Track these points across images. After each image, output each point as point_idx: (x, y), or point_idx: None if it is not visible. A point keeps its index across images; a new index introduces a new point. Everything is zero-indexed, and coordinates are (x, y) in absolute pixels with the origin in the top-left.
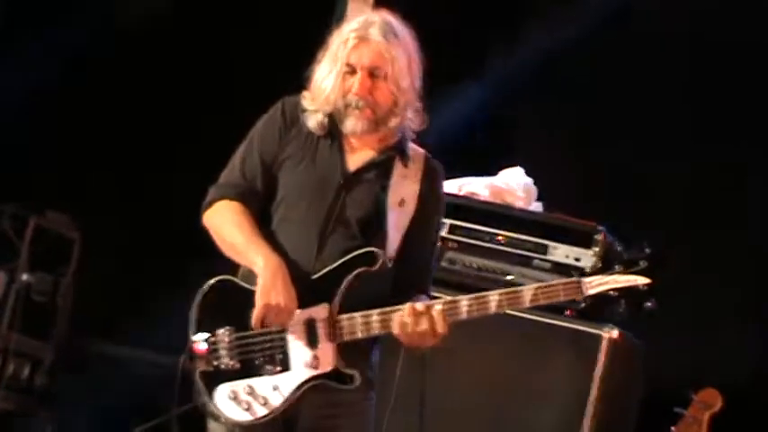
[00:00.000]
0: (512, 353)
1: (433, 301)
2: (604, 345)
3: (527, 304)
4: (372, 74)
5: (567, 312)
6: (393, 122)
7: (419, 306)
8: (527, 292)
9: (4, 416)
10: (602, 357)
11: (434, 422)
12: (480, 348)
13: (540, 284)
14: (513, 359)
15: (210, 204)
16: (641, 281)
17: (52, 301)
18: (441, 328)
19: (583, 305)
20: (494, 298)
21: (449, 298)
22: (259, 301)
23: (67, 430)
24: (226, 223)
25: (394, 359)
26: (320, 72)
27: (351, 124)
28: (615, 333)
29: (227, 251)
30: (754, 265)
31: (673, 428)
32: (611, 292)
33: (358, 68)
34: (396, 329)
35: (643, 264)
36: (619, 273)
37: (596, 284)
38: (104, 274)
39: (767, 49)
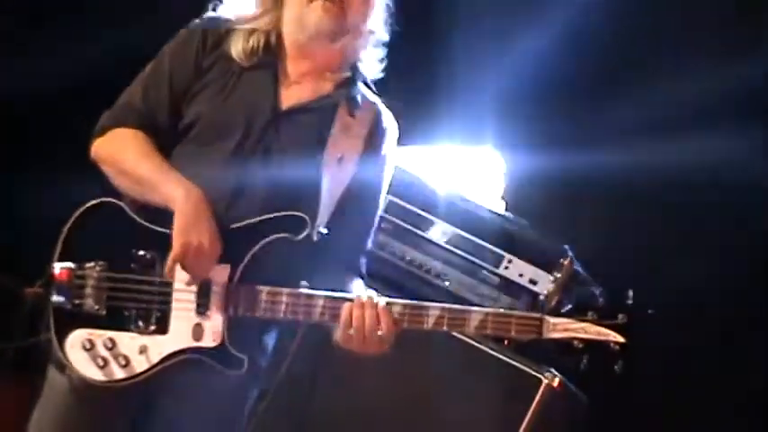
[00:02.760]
0: (427, 375)
1: (383, 298)
2: (541, 391)
3: (471, 331)
4: None
5: (505, 342)
6: (354, 48)
7: (366, 298)
8: (474, 317)
9: None
10: (535, 404)
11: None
12: (393, 359)
13: (492, 310)
14: (431, 381)
15: (104, 131)
16: (614, 338)
17: None
18: (386, 330)
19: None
20: (433, 312)
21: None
22: (177, 241)
23: None
24: (128, 152)
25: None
26: None
27: (313, 19)
28: (556, 381)
29: (130, 185)
30: None
31: None
32: (576, 343)
33: None
34: (344, 319)
35: (621, 318)
36: (591, 321)
37: (561, 328)
38: None
39: None
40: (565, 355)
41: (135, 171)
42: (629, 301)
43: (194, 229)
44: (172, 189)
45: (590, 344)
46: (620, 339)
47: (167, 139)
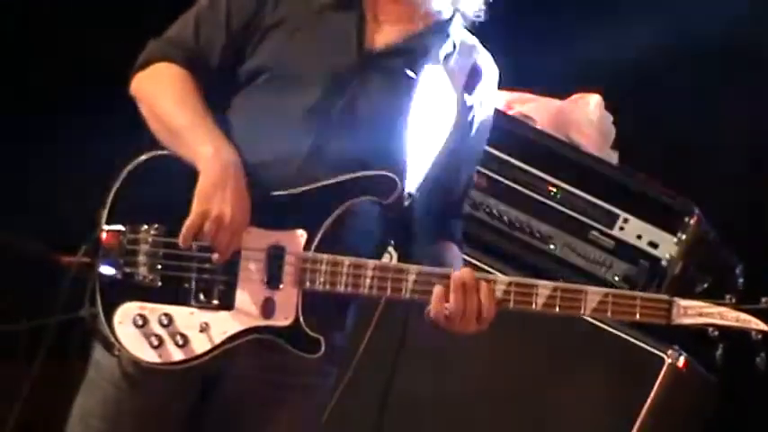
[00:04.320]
0: (536, 353)
1: (484, 275)
2: (664, 371)
3: (587, 313)
4: None
5: None
6: None
7: (467, 278)
8: (592, 297)
9: None
10: (656, 387)
11: (400, 422)
12: (493, 338)
13: (613, 291)
14: (537, 362)
15: (147, 64)
16: (757, 326)
17: None
18: (488, 311)
19: None
20: (543, 291)
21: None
22: (195, 207)
23: None
24: (166, 94)
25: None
26: None
27: None
28: (681, 360)
29: (161, 133)
30: None
31: None
32: (711, 330)
33: None
34: (436, 299)
35: (766, 302)
36: (729, 305)
37: (694, 313)
38: None
39: None
40: (698, 343)
41: (168, 118)
42: None
43: (217, 196)
44: (200, 145)
45: (727, 332)
46: (764, 328)
47: (218, 86)
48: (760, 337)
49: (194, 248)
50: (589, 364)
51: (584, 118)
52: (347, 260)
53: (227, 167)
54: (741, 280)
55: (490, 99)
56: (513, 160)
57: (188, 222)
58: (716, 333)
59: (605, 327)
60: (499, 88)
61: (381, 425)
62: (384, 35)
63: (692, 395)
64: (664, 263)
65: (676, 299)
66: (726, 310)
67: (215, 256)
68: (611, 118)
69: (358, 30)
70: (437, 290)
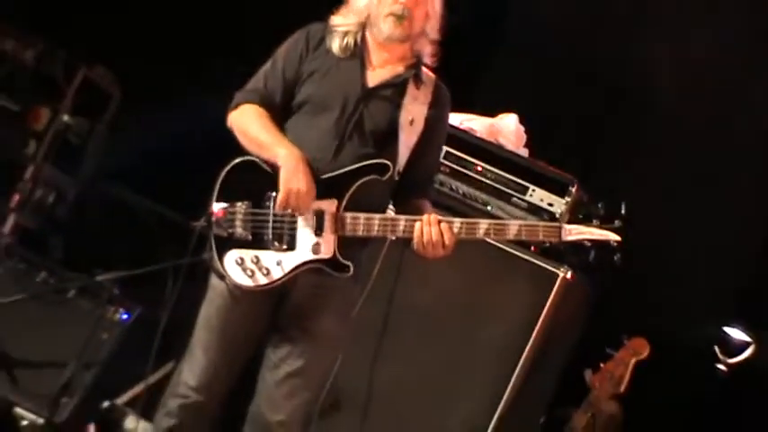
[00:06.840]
0: (476, 274)
1: (445, 218)
2: (558, 282)
3: (510, 237)
4: None
5: (532, 248)
6: (419, 44)
7: (432, 217)
8: (512, 227)
9: (25, 231)
10: (553, 292)
11: (397, 319)
12: (451, 265)
13: (525, 222)
14: (477, 279)
15: (236, 107)
16: (613, 237)
17: (85, 144)
18: (448, 240)
19: (547, 245)
20: (483, 225)
21: (447, 218)
22: (282, 187)
23: (78, 253)
24: (251, 122)
25: (372, 263)
26: None
27: (387, 28)
28: (569, 274)
29: (251, 146)
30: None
31: (602, 365)
32: (585, 242)
33: None
34: (416, 234)
35: (618, 223)
36: (595, 226)
37: (575, 233)
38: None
39: None
40: (577, 251)
41: (254, 135)
42: (623, 211)
43: (294, 179)
44: (278, 149)
45: (596, 243)
46: (618, 238)
47: (281, 114)
48: (616, 244)
49: (270, 215)
50: (512, 281)
51: (507, 129)
52: (362, 215)
53: (298, 161)
54: (602, 212)
55: (447, 114)
56: (464, 155)
57: (280, 197)
58: (588, 244)
59: (517, 253)
60: (454, 110)
61: (387, 321)
62: (378, 75)
63: (577, 297)
64: (557, 215)
65: (563, 224)
66: (594, 229)
67: (298, 215)
68: (522, 128)
69: (362, 73)
70: (416, 227)
